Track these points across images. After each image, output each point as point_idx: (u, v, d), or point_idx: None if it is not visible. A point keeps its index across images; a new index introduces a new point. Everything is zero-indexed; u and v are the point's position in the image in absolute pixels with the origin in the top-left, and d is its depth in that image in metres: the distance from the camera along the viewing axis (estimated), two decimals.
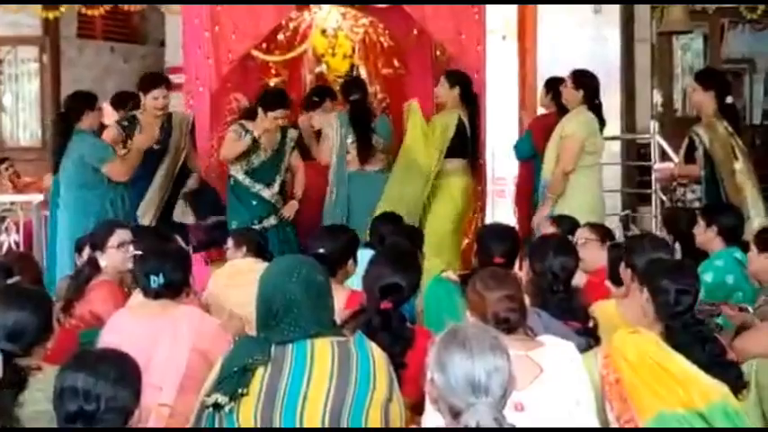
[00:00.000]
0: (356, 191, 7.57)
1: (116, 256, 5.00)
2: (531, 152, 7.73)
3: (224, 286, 4.98)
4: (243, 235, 5.99)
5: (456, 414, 2.56)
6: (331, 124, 7.66)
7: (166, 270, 4.15)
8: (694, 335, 3.68)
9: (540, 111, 8.36)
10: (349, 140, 7.61)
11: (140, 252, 4.60)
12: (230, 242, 5.86)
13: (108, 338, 3.99)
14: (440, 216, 7.54)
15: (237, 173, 7.28)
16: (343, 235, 4.99)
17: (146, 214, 7.21)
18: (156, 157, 7.26)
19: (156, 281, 4.12)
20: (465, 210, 7.74)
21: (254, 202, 7.30)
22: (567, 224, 5.77)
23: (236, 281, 4.89)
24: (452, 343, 2.60)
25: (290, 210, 7.42)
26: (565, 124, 7.00)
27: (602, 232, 5.42)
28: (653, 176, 9.06)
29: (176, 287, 4.21)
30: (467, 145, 7.61)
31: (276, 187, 7.36)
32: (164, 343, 3.92)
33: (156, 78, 7.53)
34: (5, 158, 10.29)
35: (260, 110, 7.21)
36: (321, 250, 4.62)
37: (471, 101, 7.58)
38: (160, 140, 7.27)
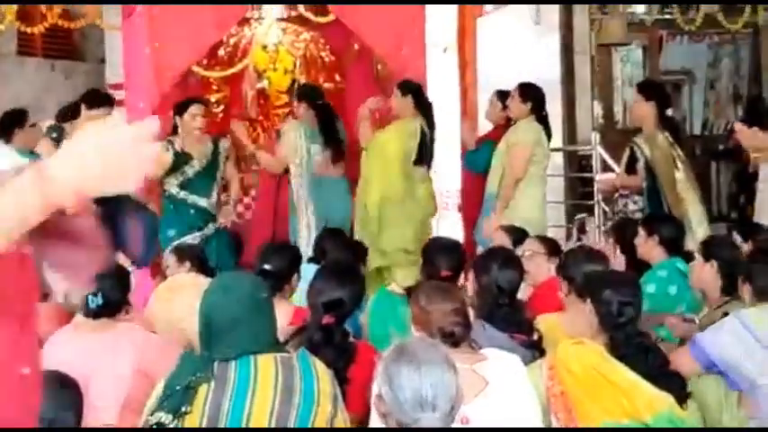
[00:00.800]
0: (324, 196, 7.50)
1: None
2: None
3: (166, 301, 4.92)
4: (185, 251, 5.93)
5: (404, 429, 2.55)
6: (297, 129, 7.59)
7: (105, 289, 4.09)
8: (637, 346, 3.68)
9: (483, 122, 8.37)
10: (314, 148, 7.54)
11: None
12: (171, 258, 5.79)
13: (48, 359, 3.92)
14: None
15: (171, 186, 7.17)
16: (288, 251, 5.01)
17: None
18: None
19: (94, 301, 4.07)
20: (431, 215, 7.73)
21: (192, 211, 7.18)
22: (516, 235, 5.76)
23: (179, 295, 4.83)
24: (400, 358, 2.59)
25: (225, 215, 7.33)
26: (511, 134, 7.04)
27: (550, 245, 5.36)
28: (595, 187, 9.11)
29: (115, 306, 4.16)
30: (428, 152, 7.59)
31: (214, 196, 7.27)
32: (105, 362, 3.89)
33: (104, 98, 7.55)
34: None
35: (176, 118, 7.17)
36: (267, 266, 4.60)
37: (425, 108, 7.55)
38: None
